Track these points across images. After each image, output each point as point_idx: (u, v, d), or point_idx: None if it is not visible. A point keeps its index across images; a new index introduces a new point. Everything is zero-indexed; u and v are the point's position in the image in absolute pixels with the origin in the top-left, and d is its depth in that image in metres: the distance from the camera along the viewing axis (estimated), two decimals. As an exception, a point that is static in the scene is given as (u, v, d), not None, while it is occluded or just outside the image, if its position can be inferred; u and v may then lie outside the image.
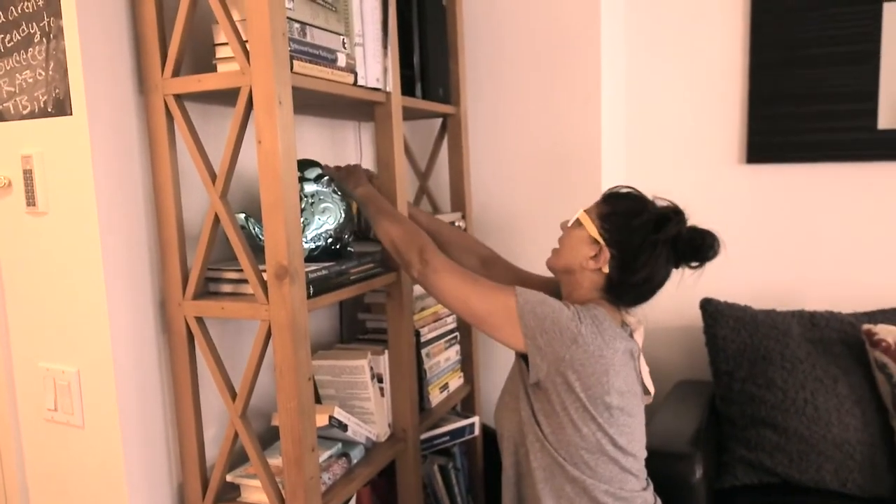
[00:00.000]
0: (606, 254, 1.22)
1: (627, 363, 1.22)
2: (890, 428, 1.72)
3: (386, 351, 1.58)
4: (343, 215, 1.39)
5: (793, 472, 1.77)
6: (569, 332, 1.15)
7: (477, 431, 1.88)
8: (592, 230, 1.24)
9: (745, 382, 1.86)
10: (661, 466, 1.53)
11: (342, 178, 1.45)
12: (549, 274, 1.40)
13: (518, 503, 1.30)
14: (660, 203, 1.27)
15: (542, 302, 1.18)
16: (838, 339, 1.84)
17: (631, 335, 1.27)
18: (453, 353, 1.90)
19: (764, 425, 1.81)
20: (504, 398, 1.32)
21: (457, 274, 1.24)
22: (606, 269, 1.23)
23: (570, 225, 1.30)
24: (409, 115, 1.78)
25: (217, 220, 1.20)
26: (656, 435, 1.71)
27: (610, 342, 1.17)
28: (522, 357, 1.21)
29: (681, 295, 2.27)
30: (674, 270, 1.27)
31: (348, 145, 1.91)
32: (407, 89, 1.64)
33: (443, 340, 1.84)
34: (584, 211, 1.28)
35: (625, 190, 1.30)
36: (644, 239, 1.21)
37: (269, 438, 1.48)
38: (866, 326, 1.78)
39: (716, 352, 1.95)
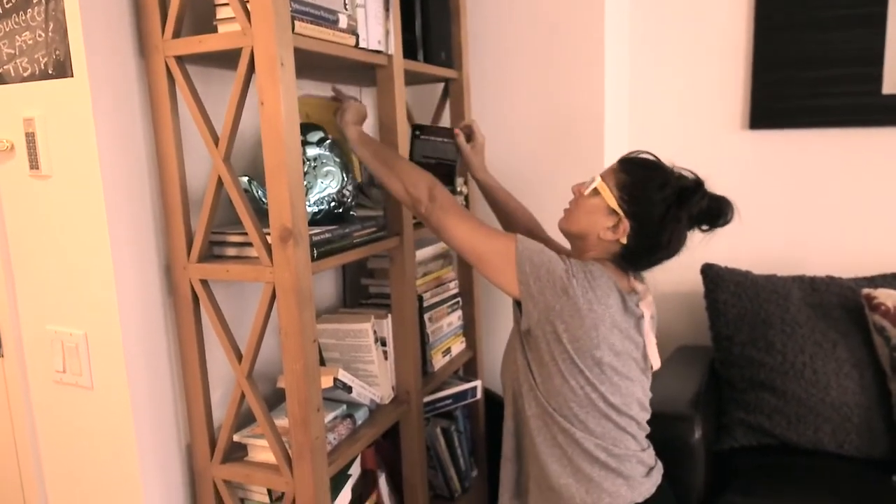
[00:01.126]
0: (626, 225, 1.19)
1: (626, 325, 1.21)
2: (887, 391, 1.74)
3: (389, 315, 1.59)
4: (346, 178, 1.39)
5: (791, 435, 1.80)
6: (560, 282, 1.14)
7: (479, 395, 1.91)
8: (612, 201, 1.20)
9: (744, 346, 1.88)
10: (660, 428, 1.55)
11: (344, 110, 1.43)
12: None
13: (517, 452, 1.32)
14: (680, 172, 1.24)
15: (540, 251, 1.18)
16: (838, 303, 1.85)
17: (637, 304, 1.25)
18: (456, 319, 1.92)
19: (763, 388, 1.83)
20: (507, 349, 1.33)
21: (463, 213, 1.25)
22: (625, 240, 1.21)
23: (586, 192, 1.25)
24: (410, 79, 1.77)
25: (220, 183, 1.21)
26: (656, 397, 1.71)
27: (602, 298, 1.16)
28: (517, 304, 1.22)
29: (682, 261, 2.25)
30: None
31: (350, 110, 1.89)
32: (409, 53, 1.62)
33: (445, 305, 1.86)
34: (602, 178, 1.24)
35: (643, 156, 1.26)
36: (666, 212, 1.18)
37: (275, 401, 1.50)
38: (866, 290, 1.79)
39: (716, 316, 1.96)
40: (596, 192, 1.23)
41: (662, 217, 1.19)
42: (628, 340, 1.21)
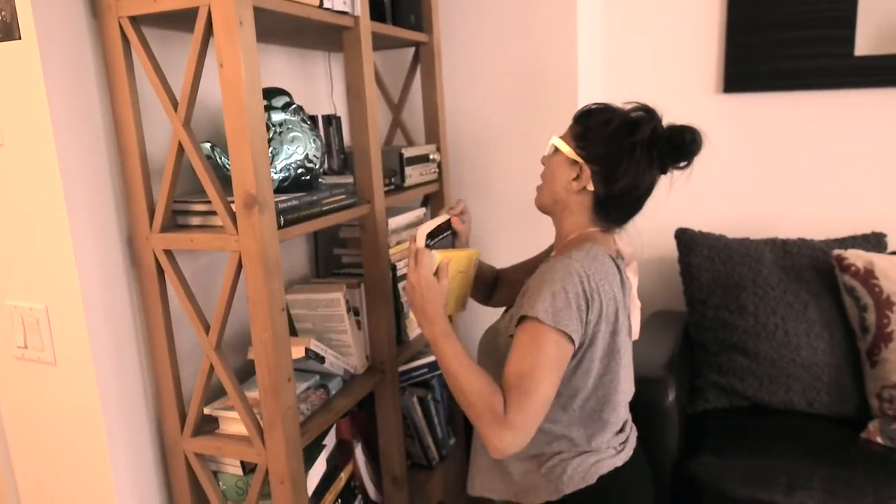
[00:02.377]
0: (587, 170, 1.19)
1: (624, 300, 1.20)
2: (856, 349, 1.77)
3: (362, 284, 1.57)
4: (313, 145, 1.36)
5: (762, 395, 1.82)
6: (590, 296, 1.11)
7: (455, 363, 1.90)
8: (569, 152, 1.20)
9: (717, 309, 1.89)
10: (635, 391, 1.56)
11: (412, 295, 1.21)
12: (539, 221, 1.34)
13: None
14: (632, 106, 1.22)
15: (563, 308, 1.08)
16: (809, 265, 1.87)
17: (621, 270, 1.23)
18: (430, 288, 1.90)
19: (735, 350, 1.85)
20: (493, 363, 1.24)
21: (533, 403, 1.07)
22: (591, 186, 1.19)
23: (548, 153, 1.26)
24: (379, 43, 1.72)
25: (181, 149, 1.17)
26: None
27: (614, 286, 1.16)
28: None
29: (656, 226, 2.28)
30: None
31: (318, 76, 1.85)
32: (377, 15, 1.58)
33: (419, 274, 1.84)
34: (559, 137, 1.25)
35: (593, 106, 1.25)
36: (620, 145, 1.17)
37: (247, 373, 1.47)
38: (836, 252, 1.81)
39: (690, 280, 1.97)
40: (555, 150, 1.23)
41: (618, 150, 1.17)
42: (624, 312, 1.20)
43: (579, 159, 1.19)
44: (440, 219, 1.34)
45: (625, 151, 1.17)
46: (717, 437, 1.74)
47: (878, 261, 1.73)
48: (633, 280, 1.28)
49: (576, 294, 1.09)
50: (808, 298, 1.83)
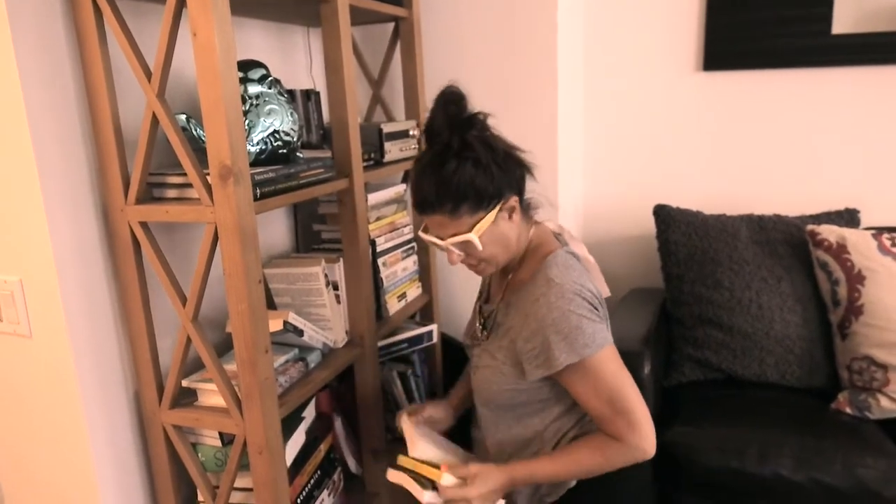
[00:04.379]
0: (510, 201, 1.15)
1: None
2: (828, 323, 1.81)
3: (341, 259, 1.57)
4: (290, 117, 1.35)
5: (736, 368, 1.85)
6: (592, 301, 1.13)
7: (436, 339, 1.92)
8: (490, 218, 1.13)
9: (694, 284, 1.92)
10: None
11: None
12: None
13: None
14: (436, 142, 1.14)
15: (591, 329, 1.09)
16: (784, 240, 1.90)
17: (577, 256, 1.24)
18: (411, 264, 1.91)
19: (711, 324, 1.88)
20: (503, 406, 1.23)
21: (637, 409, 1.11)
22: (517, 201, 1.17)
23: (479, 248, 1.14)
24: (358, 17, 1.71)
25: (156, 120, 1.16)
26: (608, 336, 1.76)
27: (585, 273, 1.17)
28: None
29: (635, 203, 2.30)
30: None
31: (297, 51, 1.84)
32: (355, -12, 1.57)
33: (400, 250, 1.85)
34: (454, 234, 1.13)
35: (431, 180, 1.12)
36: (490, 166, 1.11)
37: (225, 347, 1.48)
38: (810, 227, 1.84)
39: (667, 256, 1.99)
40: (467, 242, 1.15)
41: (494, 171, 1.12)
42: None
43: (498, 209, 1.14)
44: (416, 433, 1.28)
45: (504, 162, 1.13)
46: (692, 409, 1.78)
47: (850, 236, 1.77)
48: (580, 249, 1.29)
49: (588, 310, 1.10)
50: (782, 273, 1.86)
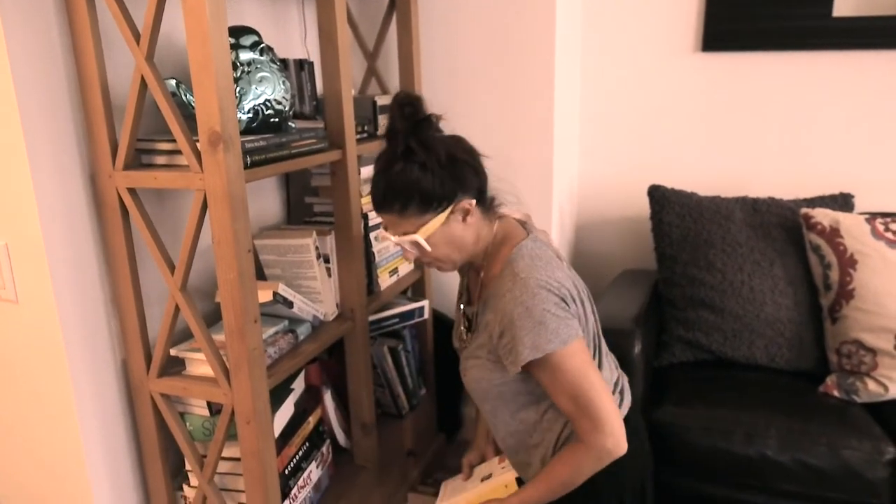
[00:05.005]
0: (464, 203, 1.14)
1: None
2: (818, 306, 1.81)
3: (332, 231, 1.56)
4: (282, 86, 1.33)
5: (726, 350, 1.86)
6: (560, 294, 1.11)
7: (427, 315, 1.92)
8: (441, 219, 1.12)
9: (686, 266, 1.92)
10: (602, 343, 1.59)
11: None
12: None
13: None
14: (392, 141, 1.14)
15: (555, 324, 1.08)
16: (778, 223, 1.90)
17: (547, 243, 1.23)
18: (403, 239, 1.90)
19: (702, 306, 1.88)
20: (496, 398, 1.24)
21: (601, 405, 1.10)
22: (472, 204, 1.15)
23: (427, 249, 1.15)
24: (354, -14, 1.68)
25: (144, 84, 1.14)
26: (600, 316, 1.76)
27: (556, 262, 1.16)
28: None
29: (630, 184, 2.29)
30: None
31: (292, 21, 1.81)
32: (351, -44, 1.54)
33: (392, 225, 1.83)
34: (402, 233, 1.14)
35: (382, 178, 1.14)
36: (444, 166, 1.11)
37: (214, 318, 1.47)
38: (804, 210, 1.83)
39: (661, 237, 1.99)
40: (415, 242, 1.15)
41: (451, 171, 1.12)
42: (574, 280, 1.20)
43: (449, 211, 1.13)
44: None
45: (450, 165, 1.12)
46: (681, 389, 1.78)
47: (844, 219, 1.76)
48: (546, 236, 1.28)
49: (554, 304, 1.09)
50: (774, 256, 1.86)
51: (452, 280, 2.19)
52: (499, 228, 1.22)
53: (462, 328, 1.29)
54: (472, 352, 1.21)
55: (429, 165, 1.10)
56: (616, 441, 1.10)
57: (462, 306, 1.32)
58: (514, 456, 1.27)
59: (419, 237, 1.13)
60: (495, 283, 1.15)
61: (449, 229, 1.15)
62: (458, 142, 1.17)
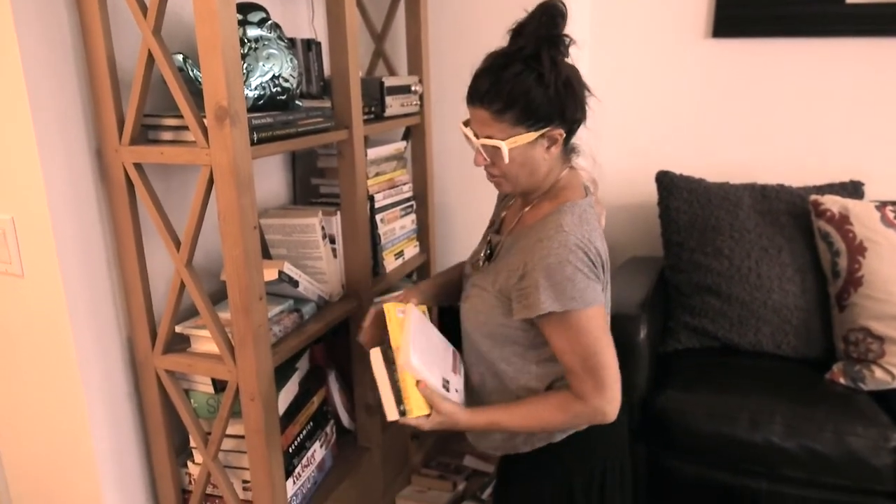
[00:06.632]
0: (555, 133, 1.10)
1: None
2: (826, 294, 1.80)
3: (338, 212, 1.56)
4: (290, 64, 1.33)
5: (732, 336, 1.85)
6: (595, 260, 1.09)
7: (432, 298, 1.91)
8: (527, 137, 1.08)
9: (693, 252, 1.91)
10: (607, 327, 1.58)
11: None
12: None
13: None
14: (512, 45, 1.09)
15: (583, 284, 1.06)
16: (786, 210, 1.88)
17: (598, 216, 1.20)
18: (409, 222, 1.90)
19: (709, 293, 1.87)
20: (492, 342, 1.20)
21: (609, 371, 1.10)
22: (562, 136, 1.11)
23: (506, 160, 1.10)
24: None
25: (151, 59, 1.13)
26: (605, 300, 1.75)
27: (599, 233, 1.14)
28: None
29: (638, 170, 2.28)
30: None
31: (299, 1, 1.80)
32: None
33: (398, 208, 1.83)
34: (491, 136, 1.09)
35: (486, 76, 1.09)
36: (557, 89, 1.07)
37: (220, 297, 1.47)
38: (813, 197, 1.82)
39: (668, 223, 1.98)
40: (495, 148, 1.10)
41: (558, 95, 1.07)
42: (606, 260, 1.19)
43: (540, 133, 1.09)
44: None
45: (563, 89, 1.08)
46: (686, 375, 1.78)
47: (854, 206, 1.75)
48: (602, 215, 1.25)
49: (587, 266, 1.07)
50: (782, 243, 1.84)
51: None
52: (566, 176, 1.19)
53: (482, 255, 1.26)
54: (482, 282, 1.19)
55: (547, 80, 1.06)
56: (613, 409, 1.10)
57: (491, 234, 1.29)
58: (480, 399, 1.22)
59: (505, 146, 1.09)
60: (537, 226, 1.12)
61: (532, 151, 1.11)
62: (577, 72, 1.13)
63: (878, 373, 1.65)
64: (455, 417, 1.11)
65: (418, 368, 1.07)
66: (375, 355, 1.10)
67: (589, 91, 1.13)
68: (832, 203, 1.77)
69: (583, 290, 1.06)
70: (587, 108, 1.14)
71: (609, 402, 1.09)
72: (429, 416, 1.10)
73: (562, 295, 1.05)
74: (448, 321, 1.40)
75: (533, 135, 1.08)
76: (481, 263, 1.24)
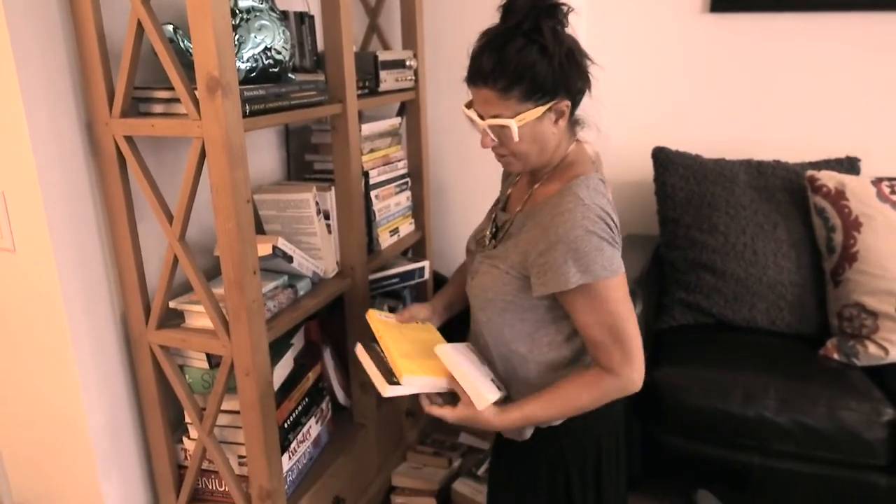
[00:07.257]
0: (562, 104, 1.08)
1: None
2: (821, 270, 1.80)
3: (332, 188, 1.55)
4: (282, 36, 1.31)
5: (727, 312, 1.85)
6: (614, 228, 1.08)
7: (427, 275, 1.91)
8: (535, 112, 1.06)
9: (689, 228, 1.91)
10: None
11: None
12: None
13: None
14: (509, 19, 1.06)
15: (610, 252, 1.05)
16: (782, 186, 1.88)
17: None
18: (404, 199, 1.89)
19: (704, 269, 1.87)
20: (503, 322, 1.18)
21: (633, 340, 1.08)
22: (568, 107, 1.09)
23: (515, 139, 1.08)
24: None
25: (141, 29, 1.11)
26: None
27: (611, 204, 1.12)
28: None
29: (634, 148, 2.27)
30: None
31: (291, -26, 1.77)
32: None
33: (393, 185, 1.82)
34: (498, 115, 1.06)
35: (486, 52, 1.07)
36: (562, 61, 1.05)
37: (214, 273, 1.46)
38: (809, 172, 1.81)
39: (664, 199, 1.97)
40: (502, 127, 1.08)
41: (562, 67, 1.05)
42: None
43: (547, 107, 1.07)
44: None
45: (567, 60, 1.06)
46: (680, 351, 1.78)
47: (850, 182, 1.75)
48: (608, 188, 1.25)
49: (609, 236, 1.06)
50: (778, 219, 1.84)
51: (453, 242, 2.18)
52: (573, 150, 1.17)
53: (488, 232, 1.25)
54: (492, 259, 1.17)
55: (551, 52, 1.04)
56: (641, 376, 1.10)
57: (496, 212, 1.28)
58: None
59: (514, 123, 1.06)
60: (552, 201, 1.10)
61: (541, 126, 1.09)
62: (576, 42, 1.10)
63: (872, 348, 1.66)
64: (483, 416, 1.10)
65: (447, 352, 1.12)
66: (359, 348, 1.16)
67: (590, 60, 1.11)
68: (828, 179, 1.77)
69: (611, 259, 1.05)
70: (590, 76, 1.12)
71: (637, 371, 1.09)
72: (453, 407, 1.11)
73: (591, 266, 1.03)
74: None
75: (541, 109, 1.06)
76: (487, 242, 1.23)
